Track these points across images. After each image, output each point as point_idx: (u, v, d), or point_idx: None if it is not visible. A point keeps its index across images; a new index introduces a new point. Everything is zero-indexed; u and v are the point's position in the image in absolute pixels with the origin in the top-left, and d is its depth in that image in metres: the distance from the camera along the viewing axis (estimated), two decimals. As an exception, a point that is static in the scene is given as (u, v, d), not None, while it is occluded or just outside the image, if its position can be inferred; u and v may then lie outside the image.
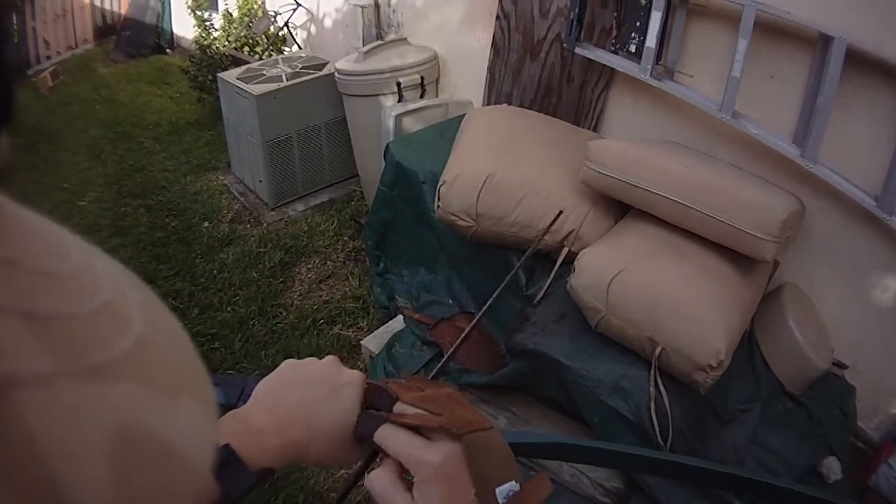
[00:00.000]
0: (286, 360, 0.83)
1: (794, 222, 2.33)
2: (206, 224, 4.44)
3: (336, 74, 4.08)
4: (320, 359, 0.82)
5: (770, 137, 2.56)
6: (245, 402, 0.78)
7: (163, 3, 10.76)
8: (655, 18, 2.74)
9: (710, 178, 2.36)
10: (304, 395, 0.77)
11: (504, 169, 2.60)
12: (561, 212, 2.35)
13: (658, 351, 2.17)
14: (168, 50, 10.18)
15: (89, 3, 14.10)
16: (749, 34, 2.44)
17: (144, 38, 10.69)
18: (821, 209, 2.62)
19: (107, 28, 13.17)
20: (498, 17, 3.59)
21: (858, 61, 2.31)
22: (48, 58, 11.96)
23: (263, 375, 0.81)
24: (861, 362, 2.70)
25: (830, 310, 2.74)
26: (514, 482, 0.65)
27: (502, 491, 0.64)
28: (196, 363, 0.34)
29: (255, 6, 6.63)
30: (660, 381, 2.23)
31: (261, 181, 4.52)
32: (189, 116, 6.45)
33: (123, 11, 12.64)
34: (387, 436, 0.70)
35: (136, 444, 0.26)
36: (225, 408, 0.79)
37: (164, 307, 0.33)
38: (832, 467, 2.33)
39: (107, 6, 15.15)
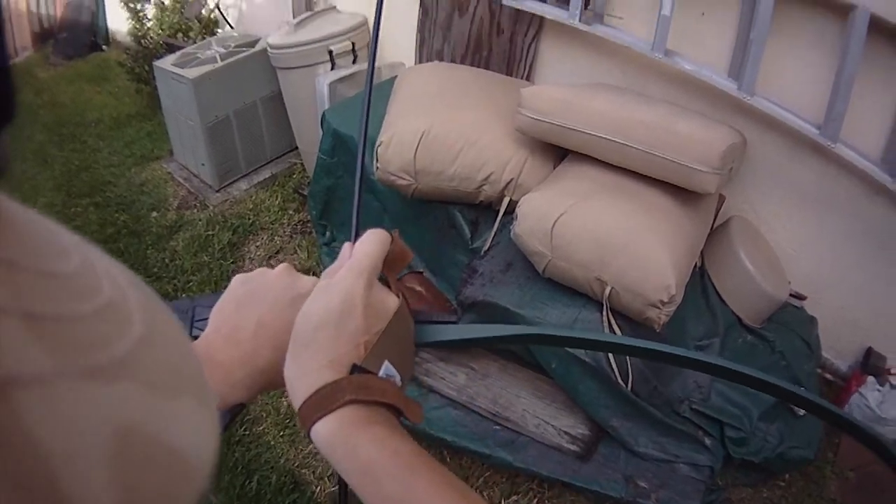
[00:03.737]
0: (236, 276, 0.77)
1: (734, 154, 2.34)
2: (154, 214, 4.40)
3: (269, 49, 4.06)
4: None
5: (704, 72, 2.58)
6: (198, 328, 0.75)
7: (97, 1, 10.61)
8: None
9: (646, 115, 2.36)
10: (263, 313, 0.72)
11: (439, 124, 2.59)
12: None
13: (608, 291, 2.19)
14: (104, 47, 10.01)
15: (26, 9, 13.86)
16: None
17: (81, 37, 10.54)
18: (763, 141, 2.65)
19: (44, 33, 12.96)
20: (424, -25, 3.57)
21: None
22: (-12, 71, 11.79)
23: (213, 294, 0.76)
24: (819, 293, 2.76)
25: (781, 241, 2.78)
26: (397, 374, 0.66)
27: (387, 368, 0.65)
28: (196, 363, 0.33)
29: (187, -9, 6.58)
30: (613, 322, 2.26)
31: (203, 164, 4.48)
32: (129, 109, 6.39)
33: (59, 15, 12.46)
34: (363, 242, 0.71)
35: (136, 444, 0.25)
36: None
37: (165, 307, 0.33)
38: (801, 399, 2.37)
39: (43, 11, 14.92)
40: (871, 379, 2.57)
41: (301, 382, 0.64)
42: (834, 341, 2.76)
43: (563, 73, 3.22)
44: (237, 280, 0.77)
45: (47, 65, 9.17)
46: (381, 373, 0.64)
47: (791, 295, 2.70)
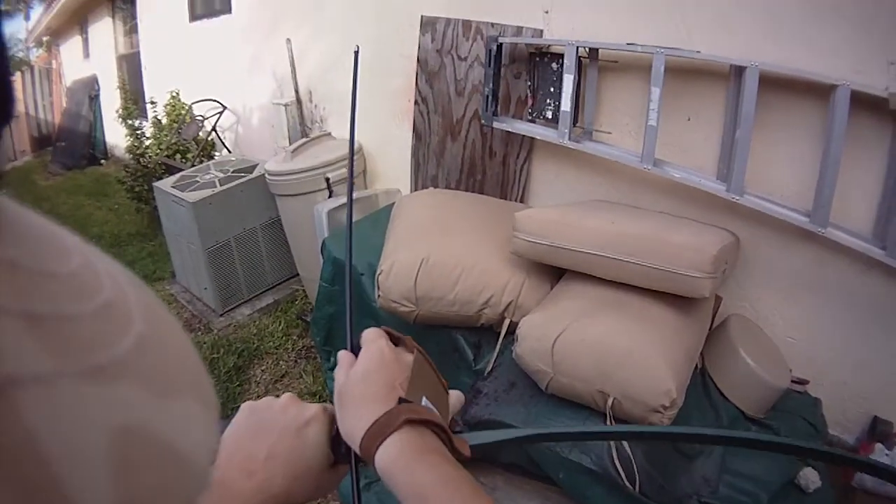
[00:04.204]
0: (244, 405, 0.83)
1: (727, 256, 2.41)
2: (158, 336, 4.43)
3: (266, 176, 4.18)
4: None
5: (694, 178, 2.66)
6: None
7: (94, 112, 10.77)
8: (568, 82, 2.85)
9: (638, 228, 2.45)
10: (272, 443, 0.77)
11: (437, 251, 2.69)
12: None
13: (610, 401, 2.22)
14: (102, 161, 10.15)
15: (23, 112, 14.09)
16: (661, 81, 2.55)
17: (79, 148, 10.71)
18: (755, 237, 2.72)
19: (43, 138, 13.17)
20: (416, 102, 3.73)
21: (771, 85, 2.42)
22: (-15, 171, 11.84)
23: (222, 420, 0.81)
24: (820, 374, 2.77)
25: (779, 332, 2.82)
26: (434, 408, 0.78)
27: (426, 402, 0.78)
28: (197, 364, 0.34)
29: (183, 112, 6.76)
30: (617, 430, 2.29)
31: (206, 288, 4.56)
32: (130, 227, 6.51)
33: (58, 121, 12.63)
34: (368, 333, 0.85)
35: (137, 444, 0.26)
36: None
37: (165, 307, 0.33)
38: (809, 478, 2.37)
39: (41, 115, 15.13)
40: (878, 445, 2.57)
41: (358, 422, 0.74)
42: (839, 416, 2.78)
43: (556, 191, 3.31)
44: (245, 409, 0.82)
45: (46, 173, 9.28)
46: (422, 403, 0.76)
47: (793, 381, 2.72)
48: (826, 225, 2.38)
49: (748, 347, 2.63)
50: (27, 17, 31.58)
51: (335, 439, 0.81)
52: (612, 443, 2.22)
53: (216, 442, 0.34)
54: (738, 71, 2.45)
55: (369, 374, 0.79)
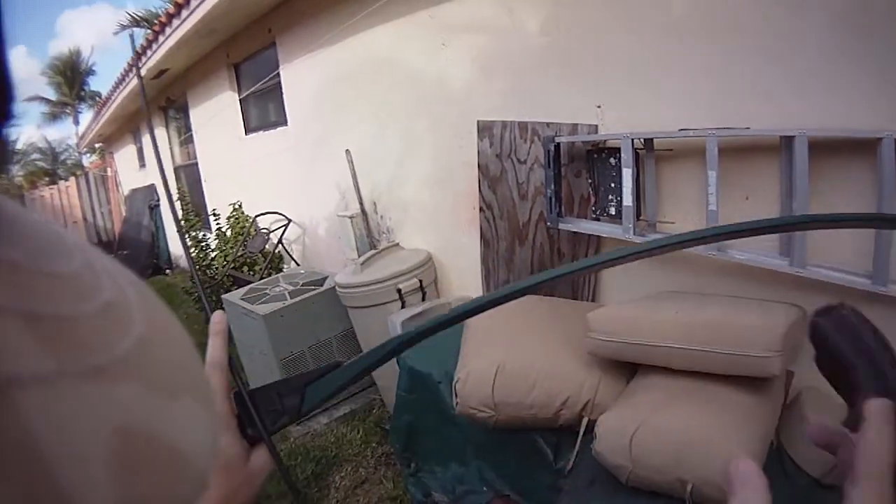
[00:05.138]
0: None
1: (796, 332, 2.42)
2: (233, 441, 4.55)
3: (337, 288, 4.33)
4: None
5: (757, 258, 2.69)
6: None
7: (156, 223, 11.02)
8: (627, 176, 2.94)
9: (705, 315, 2.52)
10: None
11: (512, 356, 2.81)
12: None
13: (689, 488, 2.28)
14: (168, 270, 10.37)
15: (81, 217, 14.44)
16: (716, 164, 2.61)
17: (143, 258, 10.92)
18: (820, 305, 2.70)
19: (102, 245, 13.37)
20: (481, 209, 3.87)
21: (820, 150, 2.45)
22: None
23: None
24: None
25: (852, 397, 2.80)
26: None
27: None
28: (197, 364, 0.34)
29: (247, 224, 6.98)
30: (699, 514, 2.34)
31: (281, 398, 4.64)
32: (199, 338, 6.37)
33: (118, 229, 12.92)
34: None
35: (137, 444, 0.26)
36: None
37: (166, 308, 0.34)
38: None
39: (100, 222, 15.48)
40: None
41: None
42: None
43: (624, 286, 3.37)
44: None
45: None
46: None
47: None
48: (887, 283, 2.38)
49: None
50: (76, 122, 32.87)
51: (240, 426, 0.78)
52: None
53: (216, 442, 0.35)
54: (788, 141, 2.50)
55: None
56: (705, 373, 2.52)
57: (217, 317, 0.83)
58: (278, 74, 6.48)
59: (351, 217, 4.97)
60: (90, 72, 33.73)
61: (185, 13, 6.40)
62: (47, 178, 27.02)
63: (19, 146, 29.57)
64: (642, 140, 2.98)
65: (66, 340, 0.25)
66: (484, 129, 3.87)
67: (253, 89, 7.24)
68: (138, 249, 11.28)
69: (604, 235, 3.23)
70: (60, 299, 0.26)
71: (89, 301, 0.27)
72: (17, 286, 0.24)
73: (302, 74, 6.06)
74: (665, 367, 2.61)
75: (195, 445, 0.30)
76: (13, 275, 0.24)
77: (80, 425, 0.24)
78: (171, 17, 6.85)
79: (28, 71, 74.52)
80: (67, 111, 33.16)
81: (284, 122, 6.63)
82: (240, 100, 7.74)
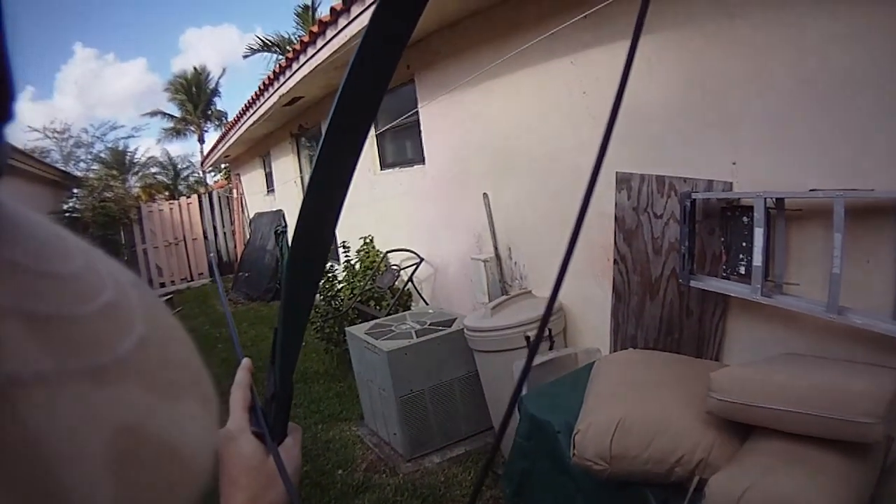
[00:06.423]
0: None
1: None
2: (340, 471, 4.76)
3: (465, 331, 4.44)
4: None
5: (874, 323, 2.70)
6: None
7: (281, 249, 11.38)
8: (759, 235, 3.01)
9: (819, 380, 2.56)
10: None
11: (633, 412, 2.90)
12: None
13: None
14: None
15: (202, 236, 15.00)
16: (842, 227, 2.64)
17: (265, 282, 11.27)
18: None
19: (223, 265, 13.90)
20: (615, 261, 3.96)
21: None
22: (162, 284, 12.74)
23: None
24: None
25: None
26: None
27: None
28: (198, 365, 0.35)
29: (377, 259, 7.19)
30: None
31: (395, 434, 4.80)
32: (317, 366, 6.94)
33: (239, 251, 13.37)
34: None
35: (137, 445, 0.26)
36: None
37: (167, 308, 0.34)
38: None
39: (221, 241, 16.08)
40: None
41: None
42: None
43: (749, 347, 3.41)
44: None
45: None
46: None
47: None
48: None
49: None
50: (202, 140, 33.89)
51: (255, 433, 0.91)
52: None
53: (216, 442, 0.36)
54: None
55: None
56: (811, 437, 2.55)
57: (246, 362, 1.07)
58: (416, 112, 6.64)
59: (485, 261, 5.06)
60: (216, 92, 34.58)
61: (320, 42, 6.51)
62: (167, 193, 28.04)
63: (138, 157, 30.74)
64: (773, 199, 3.04)
65: (67, 340, 0.25)
66: (622, 180, 3.96)
67: (390, 125, 7.40)
68: (260, 273, 11.61)
69: (732, 295, 3.28)
70: (61, 299, 0.26)
71: (90, 301, 0.28)
72: (17, 286, 0.25)
73: (441, 114, 6.22)
74: (776, 430, 2.65)
75: (195, 445, 0.31)
76: (13, 275, 0.25)
77: (79, 426, 0.24)
78: (305, 45, 6.97)
79: (148, 84, 79.41)
80: (192, 128, 33.99)
81: (422, 161, 6.78)
82: (376, 135, 7.94)
